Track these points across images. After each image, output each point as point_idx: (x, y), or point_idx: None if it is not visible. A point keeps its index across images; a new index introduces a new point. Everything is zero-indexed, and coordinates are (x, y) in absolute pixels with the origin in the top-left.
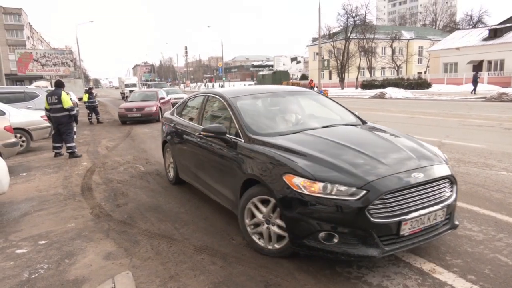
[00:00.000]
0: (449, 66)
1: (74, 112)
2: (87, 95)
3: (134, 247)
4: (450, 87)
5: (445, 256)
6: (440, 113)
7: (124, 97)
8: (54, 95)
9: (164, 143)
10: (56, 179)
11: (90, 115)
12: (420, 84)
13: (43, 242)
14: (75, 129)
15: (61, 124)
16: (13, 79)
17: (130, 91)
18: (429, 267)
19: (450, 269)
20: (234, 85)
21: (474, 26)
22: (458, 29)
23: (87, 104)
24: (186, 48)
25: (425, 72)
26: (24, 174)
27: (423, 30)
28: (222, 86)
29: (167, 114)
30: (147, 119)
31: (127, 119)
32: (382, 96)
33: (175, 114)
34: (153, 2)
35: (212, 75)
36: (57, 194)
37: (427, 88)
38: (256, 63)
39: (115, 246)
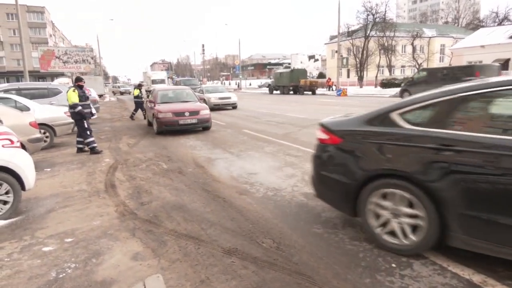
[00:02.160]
0: None
1: (78, 108)
2: (137, 90)
3: (162, 248)
4: None
5: (496, 267)
6: None
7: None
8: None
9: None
10: (80, 175)
11: (135, 111)
12: None
13: (70, 240)
14: (86, 125)
15: (75, 121)
16: (36, 75)
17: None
18: (479, 278)
19: (503, 281)
20: (250, 84)
21: (500, 24)
22: (483, 26)
23: (136, 100)
24: (203, 46)
25: None
26: (49, 169)
27: (445, 27)
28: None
29: (353, 126)
30: (203, 126)
31: (176, 128)
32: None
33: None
34: (172, 1)
35: (229, 73)
36: (81, 190)
37: None
38: (272, 61)
39: (142, 246)
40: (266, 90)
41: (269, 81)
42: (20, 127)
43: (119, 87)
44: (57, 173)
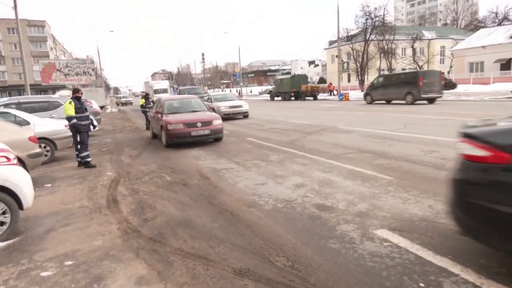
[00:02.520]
0: (474, 66)
1: (73, 121)
2: (143, 100)
3: (168, 270)
4: (477, 87)
5: None
6: (475, 114)
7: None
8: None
9: None
10: (81, 190)
11: (147, 121)
12: (445, 84)
13: (70, 262)
14: (79, 139)
15: (72, 134)
16: (38, 89)
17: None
18: None
19: None
20: (251, 91)
21: (499, 24)
22: (482, 27)
23: (142, 109)
24: (203, 54)
25: (448, 73)
26: (49, 185)
27: (445, 29)
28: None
29: None
30: (216, 137)
31: (188, 140)
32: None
33: None
34: (171, 11)
35: (229, 81)
36: (83, 207)
37: (453, 88)
38: (272, 68)
39: (146, 268)
40: (267, 96)
41: (270, 87)
42: (19, 143)
43: (121, 97)
44: (58, 189)
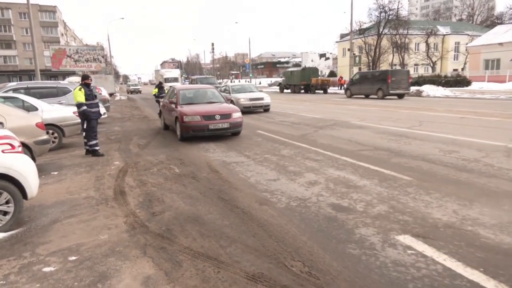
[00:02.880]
0: (490, 63)
1: (83, 108)
2: (157, 89)
3: (176, 270)
4: (492, 85)
5: None
6: (494, 113)
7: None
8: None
9: None
10: (88, 179)
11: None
12: (459, 81)
13: (73, 258)
14: (86, 126)
15: (81, 121)
16: (48, 74)
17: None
18: None
19: None
20: (260, 82)
21: None
22: (499, 23)
23: (156, 98)
24: (212, 44)
25: (462, 69)
26: (55, 173)
27: (460, 25)
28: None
29: None
30: (235, 131)
31: (205, 133)
32: (418, 94)
33: None
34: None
35: (238, 72)
36: (89, 197)
37: (467, 86)
38: (282, 60)
39: (154, 267)
40: (276, 88)
41: (279, 79)
42: (26, 129)
43: (130, 85)
44: (64, 177)
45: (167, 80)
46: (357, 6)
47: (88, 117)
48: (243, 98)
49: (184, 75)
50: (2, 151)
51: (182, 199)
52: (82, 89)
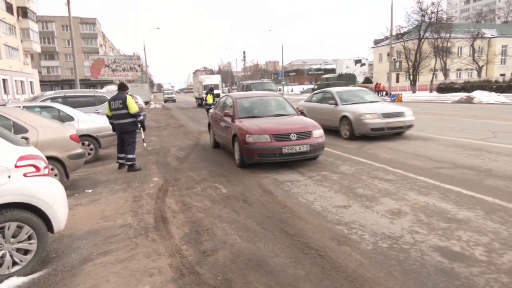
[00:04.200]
0: None
1: (141, 117)
2: (211, 96)
3: None
4: None
5: None
6: None
7: (203, 105)
8: (118, 99)
9: None
10: (125, 200)
11: None
12: None
13: None
14: (143, 136)
15: (126, 132)
16: (87, 83)
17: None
18: None
19: None
20: (292, 90)
21: None
22: None
23: (208, 107)
24: (244, 53)
25: None
26: (90, 191)
27: (507, 27)
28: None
29: None
30: (316, 155)
31: (277, 159)
32: (469, 100)
33: None
34: (216, 10)
35: (270, 79)
36: (126, 225)
37: None
38: (314, 67)
39: None
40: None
41: (311, 86)
42: (59, 141)
43: (165, 94)
44: (99, 197)
45: (206, 87)
46: (386, 10)
47: (143, 126)
48: (370, 113)
49: (224, 82)
50: (24, 175)
51: (237, 232)
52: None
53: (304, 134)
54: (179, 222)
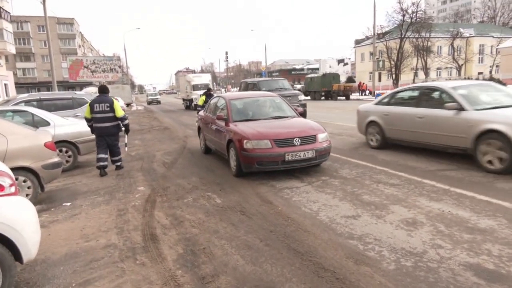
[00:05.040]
0: None
1: (127, 121)
2: (203, 97)
3: None
4: None
5: None
6: None
7: (191, 107)
8: (105, 102)
9: None
10: (108, 214)
11: None
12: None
13: None
14: (126, 141)
15: (112, 135)
16: (66, 85)
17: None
18: None
19: None
20: None
21: None
22: None
23: (199, 109)
24: (226, 53)
25: (490, 72)
26: (68, 204)
27: (484, 26)
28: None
29: None
30: (321, 162)
31: (279, 167)
32: None
33: None
34: (197, 9)
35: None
36: (110, 246)
37: None
38: (296, 67)
39: None
40: None
41: (296, 86)
42: (32, 150)
43: (148, 96)
44: (79, 211)
45: (195, 87)
46: (370, 9)
47: (127, 129)
48: None
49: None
50: None
51: (238, 251)
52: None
53: (309, 139)
54: (171, 240)
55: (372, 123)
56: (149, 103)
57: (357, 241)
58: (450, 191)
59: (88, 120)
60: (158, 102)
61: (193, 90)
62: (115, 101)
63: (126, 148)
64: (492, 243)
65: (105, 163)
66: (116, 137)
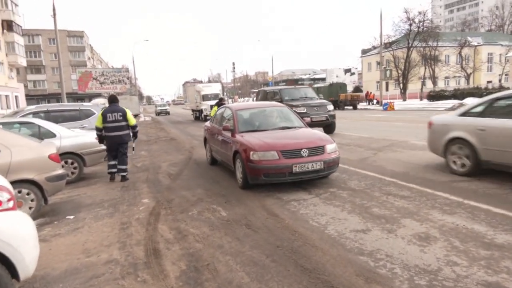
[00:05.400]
0: None
1: (137, 129)
2: (216, 108)
3: None
4: None
5: None
6: None
7: (201, 118)
8: (118, 112)
9: None
10: (111, 228)
11: None
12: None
13: None
14: (133, 145)
15: (124, 143)
16: (75, 97)
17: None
18: None
19: None
20: None
21: None
22: None
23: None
24: (233, 64)
25: (499, 81)
26: (71, 217)
27: (492, 35)
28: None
29: None
30: (329, 173)
31: (286, 179)
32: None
33: None
34: (205, 21)
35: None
36: (112, 261)
37: None
38: (303, 77)
39: None
40: None
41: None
42: (36, 162)
43: (157, 106)
44: (82, 225)
45: (205, 97)
46: (377, 19)
47: (135, 137)
48: None
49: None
50: None
51: (243, 267)
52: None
53: (317, 150)
54: (174, 255)
55: (456, 140)
56: (158, 114)
57: (367, 257)
58: (464, 203)
59: (99, 130)
60: (167, 113)
61: (203, 101)
62: (127, 110)
63: (134, 152)
64: (511, 260)
65: (115, 169)
66: (126, 145)
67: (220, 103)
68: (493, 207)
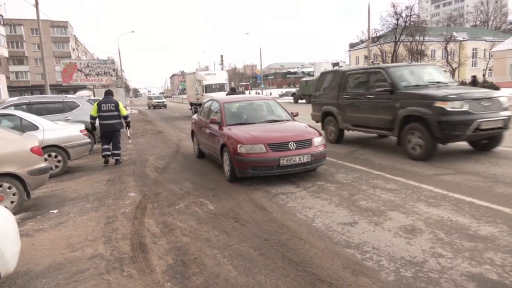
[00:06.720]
0: None
1: (129, 119)
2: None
3: None
4: None
5: None
6: None
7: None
8: (111, 103)
9: None
10: (96, 222)
11: None
12: (487, 87)
13: None
14: (129, 134)
15: (116, 130)
16: (59, 89)
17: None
18: None
19: None
20: (271, 93)
21: None
22: None
23: None
24: (222, 56)
25: (483, 75)
26: (55, 211)
27: (477, 30)
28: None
29: None
30: (317, 166)
31: (274, 172)
32: None
33: None
34: (191, 13)
35: (248, 83)
36: (97, 256)
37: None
38: (292, 70)
39: None
40: (289, 99)
41: (290, 90)
42: (17, 155)
43: (152, 98)
44: (66, 219)
45: (208, 88)
46: (365, 13)
47: (128, 125)
48: None
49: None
50: None
51: (231, 261)
52: None
53: (304, 143)
54: (160, 249)
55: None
56: (154, 107)
57: (354, 249)
58: (448, 196)
59: (93, 118)
60: (164, 106)
61: (205, 92)
62: (120, 102)
63: (130, 140)
64: (494, 252)
65: (109, 152)
66: (119, 132)
67: (232, 93)
68: (476, 199)
